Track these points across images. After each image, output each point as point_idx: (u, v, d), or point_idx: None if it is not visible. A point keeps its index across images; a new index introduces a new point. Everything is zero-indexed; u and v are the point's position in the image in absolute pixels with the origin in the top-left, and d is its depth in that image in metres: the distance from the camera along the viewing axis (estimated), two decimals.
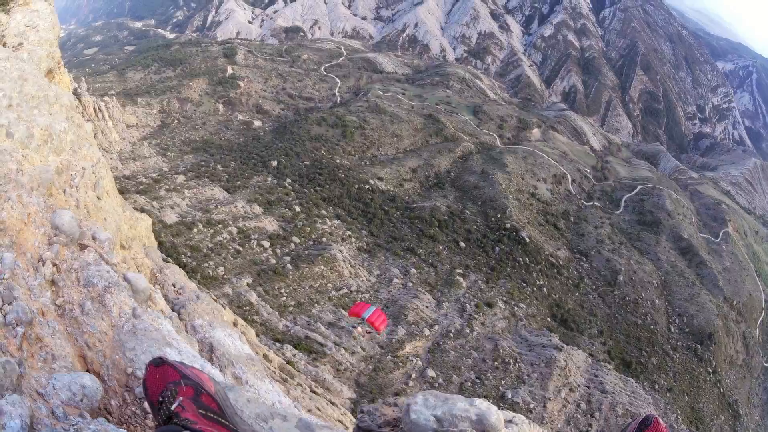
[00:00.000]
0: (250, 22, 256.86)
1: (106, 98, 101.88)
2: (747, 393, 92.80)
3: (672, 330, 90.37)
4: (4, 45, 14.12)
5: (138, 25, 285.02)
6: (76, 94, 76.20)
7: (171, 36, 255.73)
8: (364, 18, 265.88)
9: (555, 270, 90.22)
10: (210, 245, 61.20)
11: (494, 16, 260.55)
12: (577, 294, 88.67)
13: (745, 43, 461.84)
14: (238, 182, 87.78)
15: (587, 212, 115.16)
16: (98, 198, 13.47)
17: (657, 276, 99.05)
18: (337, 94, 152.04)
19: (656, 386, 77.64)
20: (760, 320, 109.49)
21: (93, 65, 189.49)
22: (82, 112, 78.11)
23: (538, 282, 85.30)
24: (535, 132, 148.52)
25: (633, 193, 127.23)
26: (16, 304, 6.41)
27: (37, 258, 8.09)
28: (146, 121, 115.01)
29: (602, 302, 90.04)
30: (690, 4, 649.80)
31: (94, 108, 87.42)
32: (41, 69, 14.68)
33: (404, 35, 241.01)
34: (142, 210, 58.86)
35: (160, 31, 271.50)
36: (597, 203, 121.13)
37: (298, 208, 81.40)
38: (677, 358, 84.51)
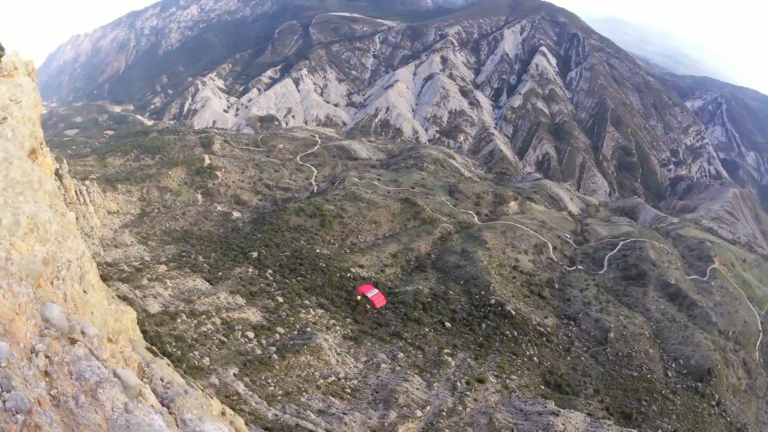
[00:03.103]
0: (225, 111, 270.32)
1: (87, 182, 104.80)
2: (755, 414, 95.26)
3: (670, 375, 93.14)
4: None
5: (117, 109, 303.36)
6: (57, 175, 77.77)
7: (149, 122, 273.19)
8: (336, 105, 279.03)
9: (544, 338, 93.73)
10: (194, 335, 63.31)
11: (463, 93, 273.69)
12: (568, 358, 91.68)
13: (711, 76, 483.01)
14: (220, 273, 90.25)
15: (571, 277, 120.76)
16: (84, 291, 14.33)
17: (648, 327, 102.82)
18: (313, 183, 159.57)
19: (660, 431, 79.86)
20: (758, 342, 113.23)
21: (74, 147, 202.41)
22: (64, 195, 79.71)
23: (528, 352, 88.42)
24: (512, 205, 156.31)
25: (615, 250, 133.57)
26: (15, 393, 6.94)
27: (29, 349, 8.71)
28: (127, 208, 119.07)
29: (595, 362, 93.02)
30: (653, 49, 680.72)
31: (76, 191, 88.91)
32: (25, 148, 15.14)
33: (377, 120, 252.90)
34: (125, 298, 62.66)
35: (139, 117, 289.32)
36: (580, 267, 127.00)
37: (280, 299, 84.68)
38: (678, 400, 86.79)
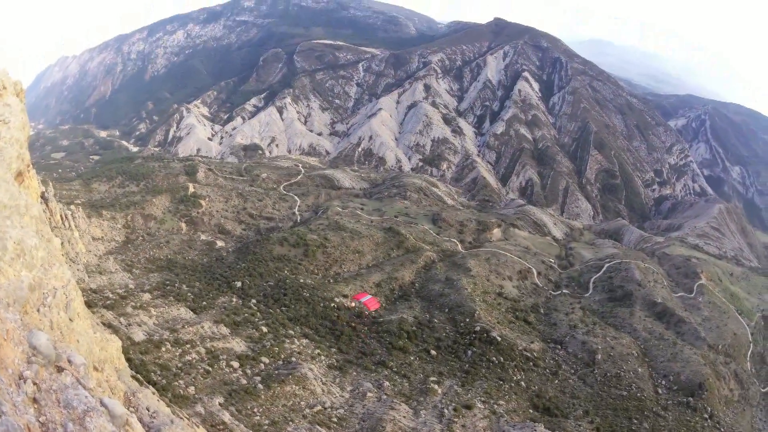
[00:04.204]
0: (210, 139, 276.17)
1: (72, 207, 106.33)
2: (749, 422, 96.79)
3: (660, 392, 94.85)
4: None
5: (103, 134, 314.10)
6: (43, 198, 79.08)
7: (134, 149, 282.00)
8: (320, 134, 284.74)
9: (531, 363, 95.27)
10: (179, 364, 64.03)
11: (446, 120, 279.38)
12: (556, 381, 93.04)
13: (695, 93, 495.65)
14: (204, 303, 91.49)
15: (557, 301, 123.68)
16: (70, 320, 14.45)
17: (636, 346, 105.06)
18: (296, 212, 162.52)
19: None
20: (749, 353, 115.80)
21: (60, 170, 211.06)
22: (49, 219, 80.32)
23: (515, 377, 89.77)
24: (496, 232, 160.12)
25: (600, 273, 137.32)
26: (5, 419, 6.98)
27: (18, 375, 8.80)
28: (111, 235, 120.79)
29: (583, 383, 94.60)
30: (636, 70, 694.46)
31: (61, 216, 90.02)
32: (12, 171, 15.10)
33: (360, 149, 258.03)
34: (110, 325, 64.31)
35: (124, 142, 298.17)
36: (565, 291, 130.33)
37: (265, 329, 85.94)
38: (670, 416, 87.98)
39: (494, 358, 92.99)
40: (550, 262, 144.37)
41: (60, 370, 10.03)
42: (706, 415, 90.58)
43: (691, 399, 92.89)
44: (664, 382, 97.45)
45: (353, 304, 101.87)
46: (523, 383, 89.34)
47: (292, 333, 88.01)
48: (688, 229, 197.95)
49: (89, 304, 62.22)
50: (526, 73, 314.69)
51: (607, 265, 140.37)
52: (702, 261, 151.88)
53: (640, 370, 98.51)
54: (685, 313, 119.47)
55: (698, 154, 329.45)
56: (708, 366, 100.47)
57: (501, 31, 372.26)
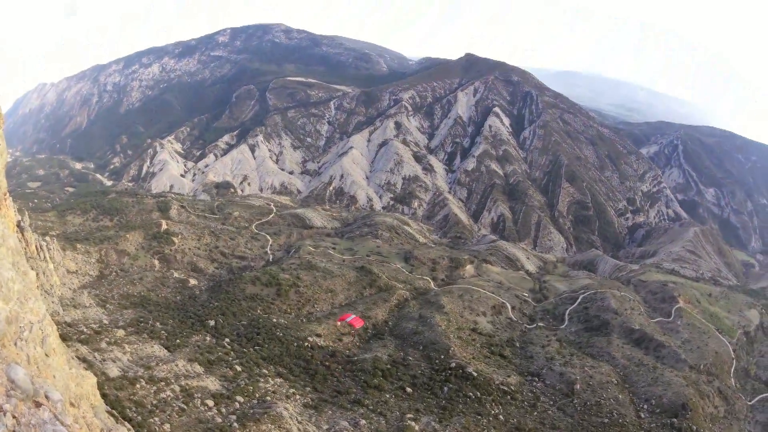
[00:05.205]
0: (182, 176, 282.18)
1: (47, 238, 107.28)
2: None
3: (642, 416, 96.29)
4: None
5: (78, 166, 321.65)
6: (19, 227, 79.83)
7: (108, 183, 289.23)
8: (291, 172, 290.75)
9: (508, 397, 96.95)
10: (154, 402, 64.38)
11: (417, 158, 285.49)
12: (535, 413, 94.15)
13: (666, 119, 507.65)
14: (177, 341, 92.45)
15: (532, 335, 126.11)
16: (46, 355, 14.59)
17: (615, 374, 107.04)
18: (269, 251, 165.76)
19: None
20: (732, 369, 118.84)
21: (36, 200, 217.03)
22: (25, 248, 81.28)
23: (493, 411, 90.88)
24: (468, 268, 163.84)
25: (576, 304, 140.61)
26: None
27: None
28: (85, 269, 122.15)
29: (563, 414, 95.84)
30: (607, 100, 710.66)
31: (37, 246, 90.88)
32: None
33: (331, 188, 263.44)
34: (84, 359, 65.58)
35: (98, 176, 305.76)
36: (540, 324, 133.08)
37: (239, 368, 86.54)
38: None
39: (471, 393, 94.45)
40: (524, 296, 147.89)
41: (38, 405, 10.27)
42: None
43: (675, 420, 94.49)
44: (646, 407, 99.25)
45: (338, 323, 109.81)
46: (501, 417, 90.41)
47: (266, 372, 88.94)
48: (663, 254, 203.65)
49: (64, 338, 63.34)
50: (496, 109, 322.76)
51: (582, 295, 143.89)
52: (679, 285, 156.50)
53: (620, 396, 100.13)
54: (664, 337, 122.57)
55: (671, 179, 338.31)
56: (690, 386, 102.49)
57: (471, 67, 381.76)
